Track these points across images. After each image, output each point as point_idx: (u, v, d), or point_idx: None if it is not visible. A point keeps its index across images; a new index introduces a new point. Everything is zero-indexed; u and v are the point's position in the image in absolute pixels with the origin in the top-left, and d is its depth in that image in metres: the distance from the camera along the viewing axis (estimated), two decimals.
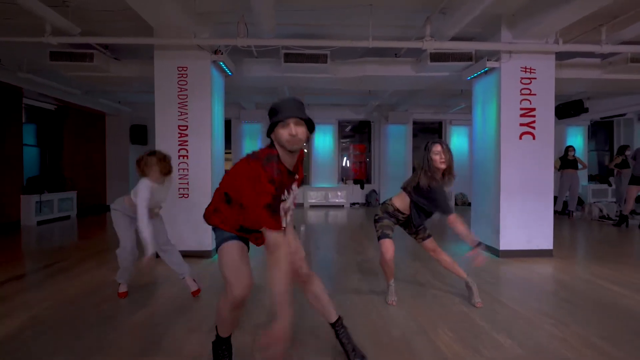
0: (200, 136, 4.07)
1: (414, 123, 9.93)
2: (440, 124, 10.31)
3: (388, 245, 2.56)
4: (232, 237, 1.59)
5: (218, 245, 1.61)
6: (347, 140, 10.73)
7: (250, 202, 1.41)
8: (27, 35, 3.71)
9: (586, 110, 7.30)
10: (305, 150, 1.59)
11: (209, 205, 1.68)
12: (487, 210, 4.36)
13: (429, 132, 10.52)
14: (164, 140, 4.04)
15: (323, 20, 4.08)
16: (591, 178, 10.05)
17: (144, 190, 2.46)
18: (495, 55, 4.08)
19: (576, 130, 9.72)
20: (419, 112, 9.59)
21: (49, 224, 6.59)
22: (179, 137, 4.05)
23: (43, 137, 7.40)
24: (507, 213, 4.08)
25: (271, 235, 1.37)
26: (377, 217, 2.69)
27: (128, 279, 2.87)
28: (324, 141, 9.92)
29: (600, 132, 10.48)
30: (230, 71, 4.51)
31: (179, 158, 4.05)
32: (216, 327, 1.73)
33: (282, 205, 1.52)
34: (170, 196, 4.06)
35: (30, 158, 7.14)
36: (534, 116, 4.07)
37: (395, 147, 9.73)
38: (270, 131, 1.47)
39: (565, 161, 7.46)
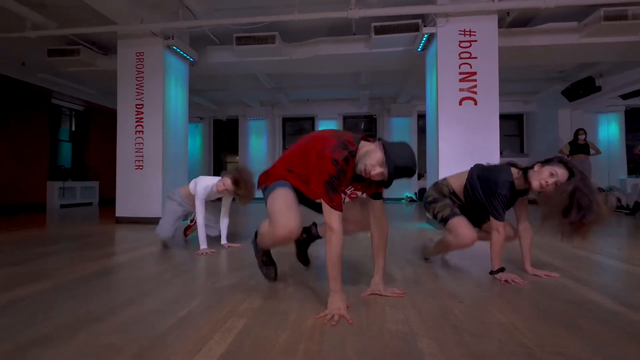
0: (153, 114, 4.48)
1: (421, 116, 9.64)
2: None
3: (465, 227, 1.94)
4: (285, 183, 1.59)
5: (270, 191, 1.59)
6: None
7: (314, 175, 1.45)
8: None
9: (599, 88, 6.53)
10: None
11: (262, 176, 1.71)
12: (432, 180, 4.16)
13: None
14: (125, 118, 4.54)
15: (256, 3, 4.30)
16: (631, 171, 8.85)
17: (201, 191, 2.66)
18: (432, 20, 3.96)
19: (609, 117, 8.72)
20: (423, 104, 9.28)
21: (71, 208, 7.55)
22: (135, 115, 4.51)
23: (74, 134, 8.55)
24: None
25: (328, 211, 1.42)
26: (430, 199, 2.16)
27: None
28: None
29: None
30: (191, 57, 4.92)
31: (136, 133, 4.50)
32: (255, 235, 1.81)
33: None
34: (127, 167, 4.52)
35: (66, 152, 8.32)
36: (475, 80, 3.84)
37: (399, 140, 9.51)
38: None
39: (575, 146, 6.69)
